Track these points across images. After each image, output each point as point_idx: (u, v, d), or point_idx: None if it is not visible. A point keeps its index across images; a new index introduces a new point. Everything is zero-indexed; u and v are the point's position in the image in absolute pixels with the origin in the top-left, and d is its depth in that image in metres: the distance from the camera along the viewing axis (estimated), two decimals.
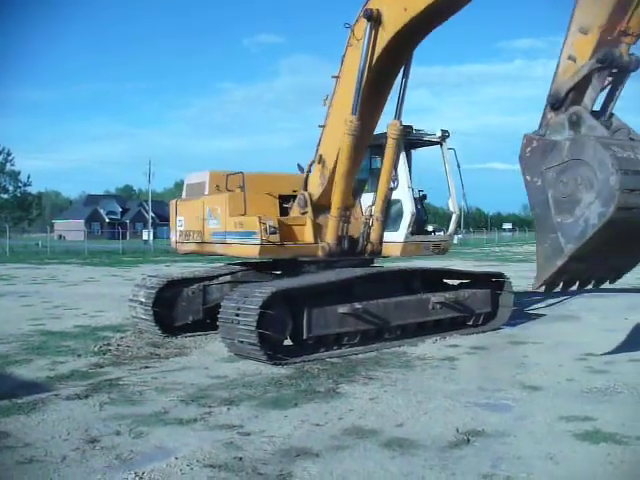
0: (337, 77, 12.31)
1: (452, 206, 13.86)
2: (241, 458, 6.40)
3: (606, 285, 10.43)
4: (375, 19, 11.28)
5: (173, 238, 15.16)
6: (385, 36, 11.33)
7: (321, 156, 12.49)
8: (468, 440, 6.95)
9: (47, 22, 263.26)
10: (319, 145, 12.70)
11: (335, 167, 12.14)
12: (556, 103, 8.94)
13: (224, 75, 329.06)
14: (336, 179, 12.15)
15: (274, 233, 12.04)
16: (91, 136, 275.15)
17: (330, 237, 12.42)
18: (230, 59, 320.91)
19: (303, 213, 12.63)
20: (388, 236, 13.08)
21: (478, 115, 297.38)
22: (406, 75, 12.56)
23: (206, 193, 14.07)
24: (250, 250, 12.42)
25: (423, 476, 5.98)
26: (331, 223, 12.40)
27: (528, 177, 8.63)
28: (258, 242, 12.05)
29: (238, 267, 14.14)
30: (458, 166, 13.82)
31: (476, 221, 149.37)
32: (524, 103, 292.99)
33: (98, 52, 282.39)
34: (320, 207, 12.55)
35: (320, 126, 12.67)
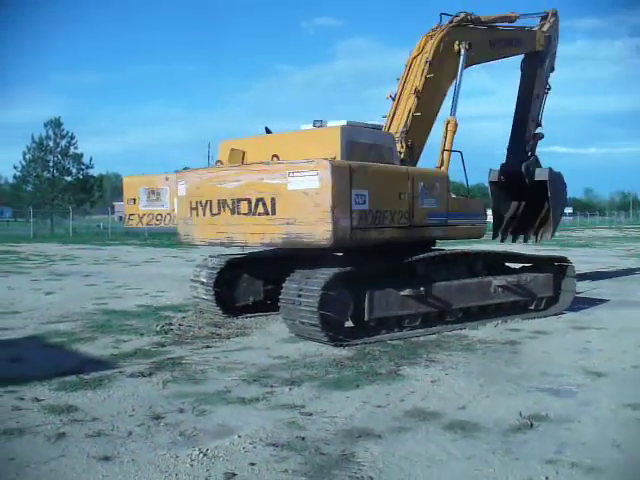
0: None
1: None
2: (303, 438, 6.43)
3: None
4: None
5: (344, 222, 10.21)
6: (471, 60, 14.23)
7: None
8: (531, 424, 6.88)
9: (109, 5, 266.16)
10: None
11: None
12: None
13: (282, 58, 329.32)
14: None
15: None
16: (151, 119, 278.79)
17: None
18: (288, 42, 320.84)
19: None
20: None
21: None
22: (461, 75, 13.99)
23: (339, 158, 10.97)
24: (476, 231, 13.20)
25: (486, 459, 5.93)
26: None
27: None
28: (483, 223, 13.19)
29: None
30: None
31: None
32: (585, 85, 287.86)
33: (160, 35, 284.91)
34: None
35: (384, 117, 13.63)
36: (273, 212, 10.53)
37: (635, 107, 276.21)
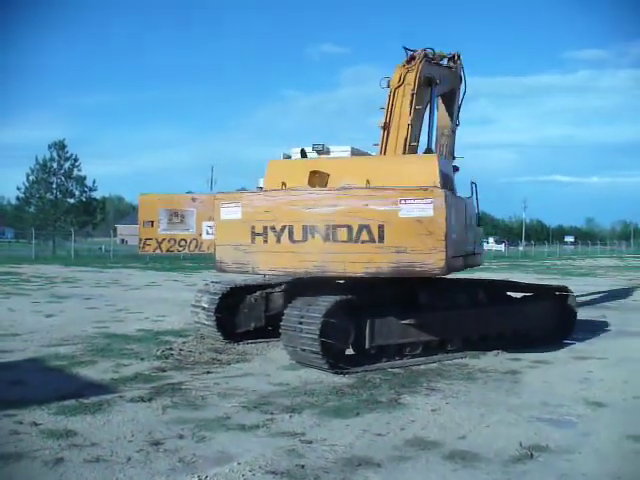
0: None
1: None
2: (303, 466, 6.41)
3: None
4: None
5: (450, 251, 10.33)
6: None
7: None
8: (532, 455, 6.86)
9: (116, 27, 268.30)
10: None
11: None
12: None
13: (288, 83, 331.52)
14: None
15: None
16: (155, 142, 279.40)
17: None
18: (293, 67, 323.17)
19: None
20: None
21: (541, 127, 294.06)
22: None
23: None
24: (481, 259, 13.69)
25: None
26: None
27: None
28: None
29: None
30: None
31: (537, 233, 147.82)
32: (588, 115, 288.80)
33: (166, 59, 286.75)
34: None
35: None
36: (381, 240, 10.11)
37: (636, 138, 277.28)
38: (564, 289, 14.29)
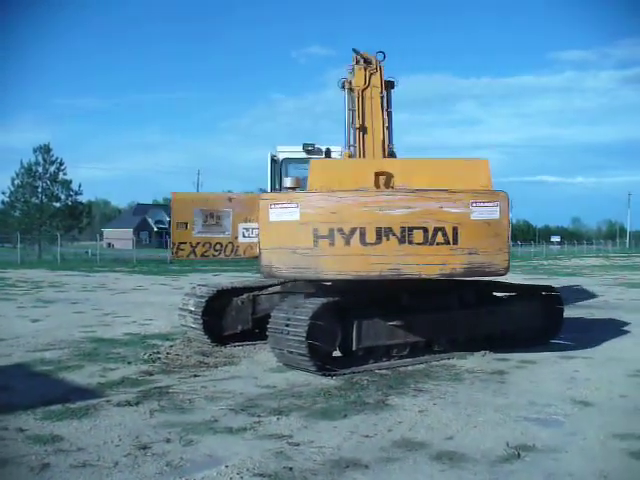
0: None
1: None
2: (291, 468, 6.41)
3: None
4: None
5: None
6: None
7: None
8: (519, 455, 6.88)
9: (100, 30, 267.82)
10: None
11: None
12: None
13: (275, 86, 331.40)
14: None
15: None
16: (141, 145, 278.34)
17: None
18: (280, 70, 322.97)
19: None
20: None
21: (527, 127, 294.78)
22: None
23: None
24: None
25: None
26: None
27: None
28: None
29: None
30: None
31: (524, 234, 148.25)
32: (573, 115, 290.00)
33: (152, 62, 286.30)
34: None
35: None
36: (455, 242, 10.22)
37: (621, 138, 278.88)
38: (550, 289, 14.33)
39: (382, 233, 10.22)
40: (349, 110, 13.98)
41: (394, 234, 10.21)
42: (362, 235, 10.25)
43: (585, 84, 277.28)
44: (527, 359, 12.14)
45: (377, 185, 11.50)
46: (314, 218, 10.44)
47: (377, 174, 11.53)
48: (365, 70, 14.05)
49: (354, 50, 14.44)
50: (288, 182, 11.78)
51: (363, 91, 13.82)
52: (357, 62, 14.33)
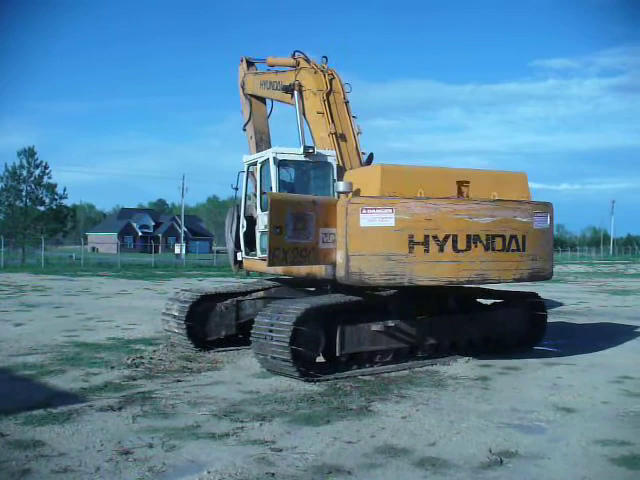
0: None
1: None
2: (273, 474, 6.40)
3: None
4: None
5: None
6: None
7: None
8: (501, 461, 6.90)
9: (84, 35, 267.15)
10: None
11: None
12: None
13: None
14: None
15: None
16: (126, 150, 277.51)
17: None
18: None
19: None
20: None
21: (512, 134, 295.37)
22: None
23: None
24: None
25: None
26: None
27: None
28: None
29: (271, 283, 14.16)
30: None
31: None
32: (557, 123, 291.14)
33: (136, 66, 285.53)
34: None
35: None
36: (523, 249, 11.28)
37: (605, 145, 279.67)
38: (534, 296, 14.37)
39: (471, 240, 10.77)
40: (301, 114, 13.80)
41: (481, 241, 10.85)
42: (454, 242, 10.71)
43: (569, 92, 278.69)
44: (510, 365, 12.17)
45: (460, 193, 11.73)
46: (410, 224, 10.57)
47: (459, 183, 11.79)
48: (326, 74, 13.93)
49: (298, 51, 14.46)
50: (341, 187, 11.68)
51: (328, 96, 13.74)
52: (298, 64, 14.35)
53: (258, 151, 15.00)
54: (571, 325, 18.16)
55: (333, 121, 13.56)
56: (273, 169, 12.40)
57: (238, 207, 14.00)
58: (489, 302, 14.21)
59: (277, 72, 15.28)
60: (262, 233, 12.62)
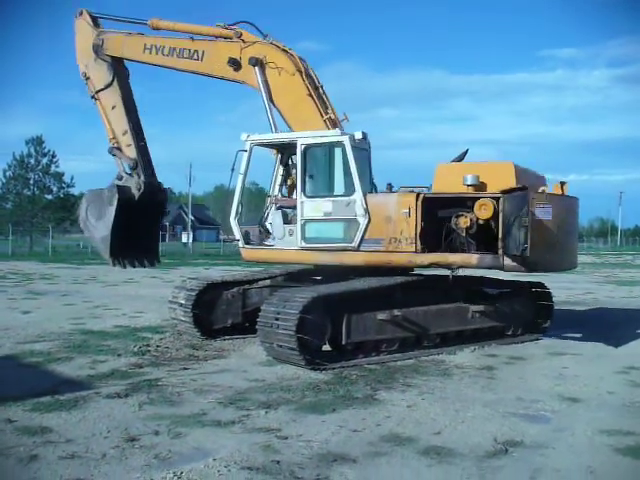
0: None
1: None
2: (278, 461, 6.42)
3: None
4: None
5: None
6: None
7: None
8: (506, 450, 6.90)
9: None
10: None
11: None
12: None
13: None
14: None
15: None
16: None
17: None
18: None
19: None
20: None
21: (520, 124, 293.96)
22: None
23: None
24: None
25: None
26: None
27: None
28: None
29: (278, 271, 14.17)
30: None
31: None
32: (565, 113, 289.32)
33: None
34: None
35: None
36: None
37: (613, 136, 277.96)
38: (540, 286, 14.36)
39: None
40: (265, 88, 13.05)
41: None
42: (569, 235, 12.65)
43: (578, 82, 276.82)
44: (516, 355, 12.18)
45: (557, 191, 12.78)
46: (558, 218, 11.75)
47: (561, 183, 12.89)
48: (293, 55, 13.22)
49: (248, 22, 13.63)
50: (469, 179, 11.56)
51: (293, 76, 12.99)
52: (239, 35, 13.35)
53: (129, 121, 14.80)
54: (577, 315, 18.14)
55: (326, 107, 13.08)
56: (350, 153, 12.00)
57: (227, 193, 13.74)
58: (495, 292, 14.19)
59: (193, 39, 14.08)
60: (306, 221, 12.44)
